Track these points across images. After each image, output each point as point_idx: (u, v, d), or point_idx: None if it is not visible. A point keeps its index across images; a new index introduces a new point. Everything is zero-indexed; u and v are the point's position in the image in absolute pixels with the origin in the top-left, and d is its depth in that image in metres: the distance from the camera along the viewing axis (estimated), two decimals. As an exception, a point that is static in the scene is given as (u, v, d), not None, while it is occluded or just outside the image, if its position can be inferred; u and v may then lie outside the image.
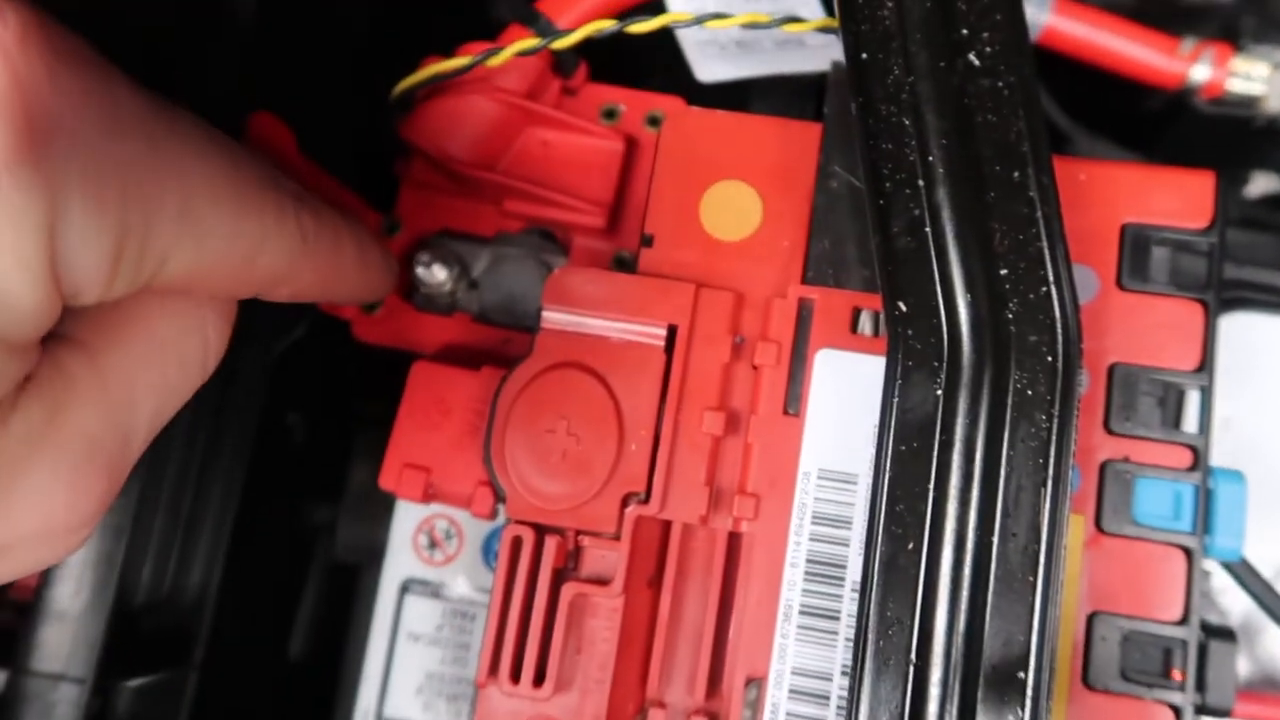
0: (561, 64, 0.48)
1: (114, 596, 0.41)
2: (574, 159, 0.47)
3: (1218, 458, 0.41)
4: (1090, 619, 0.38)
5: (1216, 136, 0.52)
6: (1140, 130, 0.54)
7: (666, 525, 0.40)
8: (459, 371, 0.43)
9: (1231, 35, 0.52)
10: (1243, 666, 0.42)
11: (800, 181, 0.42)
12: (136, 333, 0.31)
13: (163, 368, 0.31)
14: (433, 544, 0.49)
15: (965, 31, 0.38)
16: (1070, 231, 0.38)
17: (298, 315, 0.51)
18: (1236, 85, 0.51)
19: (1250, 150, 0.53)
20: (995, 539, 0.34)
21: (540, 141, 0.47)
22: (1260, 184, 0.55)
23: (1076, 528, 0.38)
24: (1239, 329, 0.44)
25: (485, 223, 0.48)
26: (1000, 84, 0.37)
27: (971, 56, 0.38)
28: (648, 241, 0.42)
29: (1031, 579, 0.34)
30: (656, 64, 0.50)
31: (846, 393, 0.39)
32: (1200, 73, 0.51)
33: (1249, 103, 0.51)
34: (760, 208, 0.42)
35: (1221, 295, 0.43)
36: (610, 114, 0.48)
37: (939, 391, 0.35)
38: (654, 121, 0.47)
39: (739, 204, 0.42)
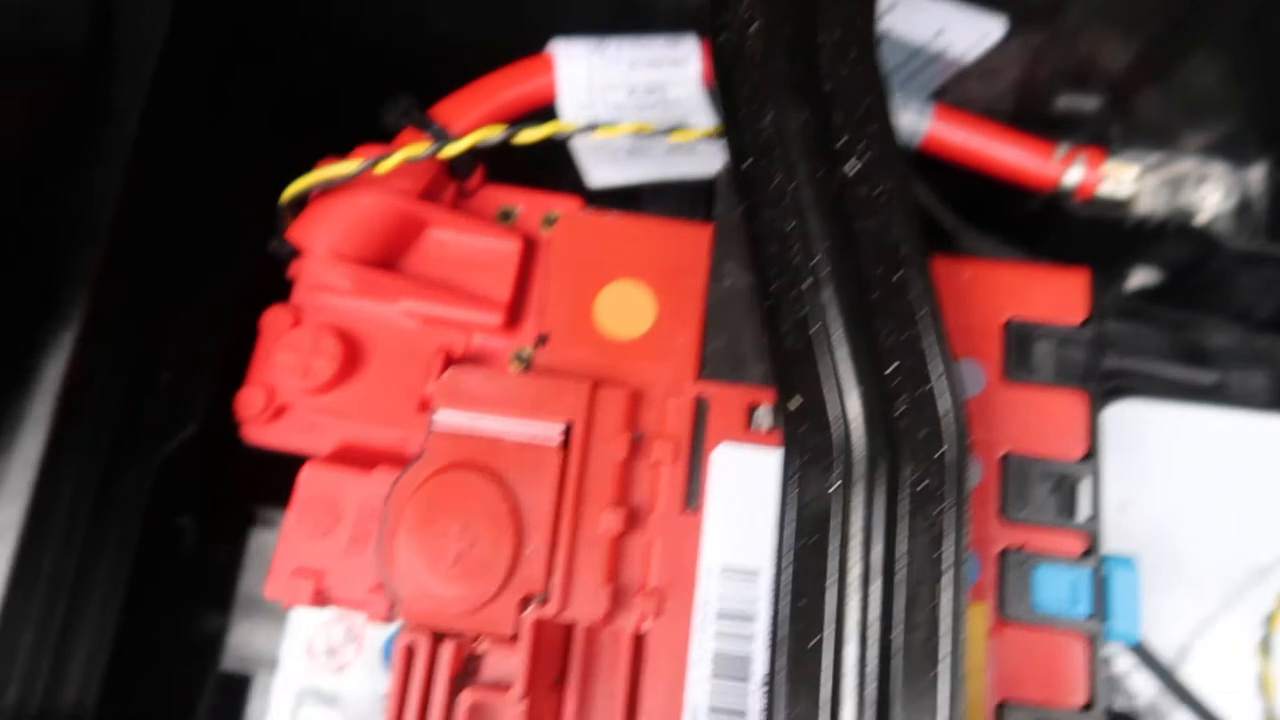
0: (457, 167, 0.48)
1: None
2: (471, 259, 0.47)
3: (1118, 540, 0.42)
4: (999, 709, 0.38)
5: (1094, 235, 0.55)
6: (1024, 229, 0.56)
7: (569, 626, 0.39)
8: (350, 474, 0.42)
9: (1103, 140, 0.55)
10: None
11: (693, 280, 0.43)
12: None
13: None
14: (330, 650, 0.47)
15: (841, 142, 0.39)
16: (956, 327, 0.40)
17: (187, 415, 0.49)
18: (1107, 188, 0.53)
19: (1127, 247, 0.55)
20: (900, 631, 0.35)
21: (437, 242, 0.47)
22: (1140, 277, 0.57)
23: (979, 617, 0.38)
24: (1130, 416, 0.46)
25: (382, 323, 0.47)
26: (876, 191, 0.39)
27: (847, 167, 0.39)
28: (543, 340, 0.42)
29: (934, 673, 0.34)
30: (558, 162, 0.50)
31: (746, 487, 0.39)
32: (1074, 176, 0.53)
33: (1119, 204, 0.54)
34: (654, 306, 0.43)
35: (1110, 384, 0.45)
36: (507, 215, 0.48)
37: (835, 486, 0.36)
38: (551, 221, 0.47)
39: (633, 303, 0.43)
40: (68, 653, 0.44)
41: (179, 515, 0.51)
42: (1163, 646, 0.41)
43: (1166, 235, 0.53)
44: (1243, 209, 0.55)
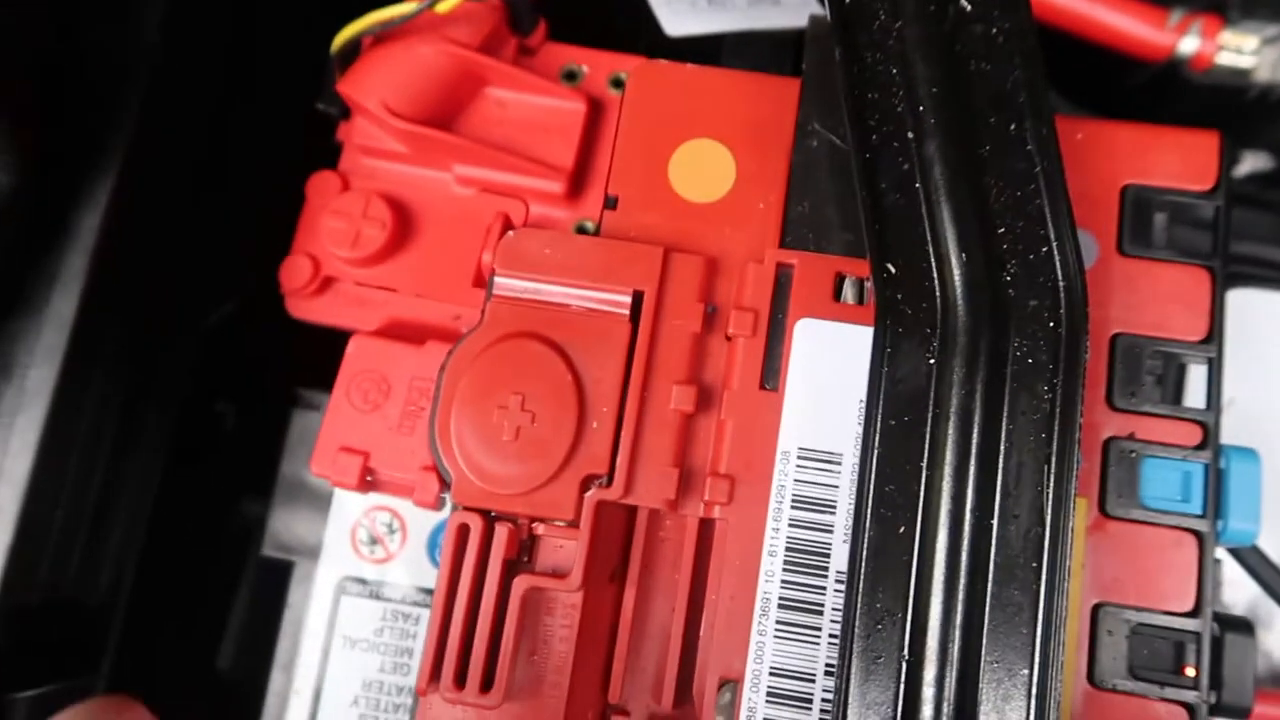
0: (519, 20, 0.44)
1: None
2: (532, 121, 0.43)
3: (1224, 438, 0.38)
4: (1095, 611, 0.34)
5: (1205, 111, 0.50)
6: (1127, 105, 0.51)
7: (631, 512, 0.36)
8: (401, 346, 0.39)
9: (1220, 7, 0.50)
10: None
11: (777, 140, 0.39)
12: None
13: None
14: (373, 540, 0.45)
15: (957, -27, 0.35)
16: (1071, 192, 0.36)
17: (228, 289, 0.46)
18: (1225, 58, 0.49)
19: (1242, 125, 0.50)
20: (995, 522, 0.31)
21: (496, 102, 0.44)
22: (1249, 163, 0.53)
23: (1080, 511, 0.35)
24: (1237, 305, 0.41)
25: (435, 190, 0.44)
26: (994, 30, 0.35)
27: (963, 1, 0.35)
28: (612, 204, 0.39)
29: (1035, 565, 0.31)
30: (621, 24, 0.46)
31: (829, 365, 0.36)
32: (1189, 44, 0.49)
33: (1238, 75, 0.49)
34: (734, 167, 0.39)
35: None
36: (572, 75, 0.45)
37: (932, 361, 0.32)
38: (619, 84, 0.44)
39: (711, 163, 0.39)
40: (102, 533, 0.42)
41: (219, 398, 0.49)
42: (1268, 550, 0.37)
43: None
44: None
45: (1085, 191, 0.37)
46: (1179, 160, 0.38)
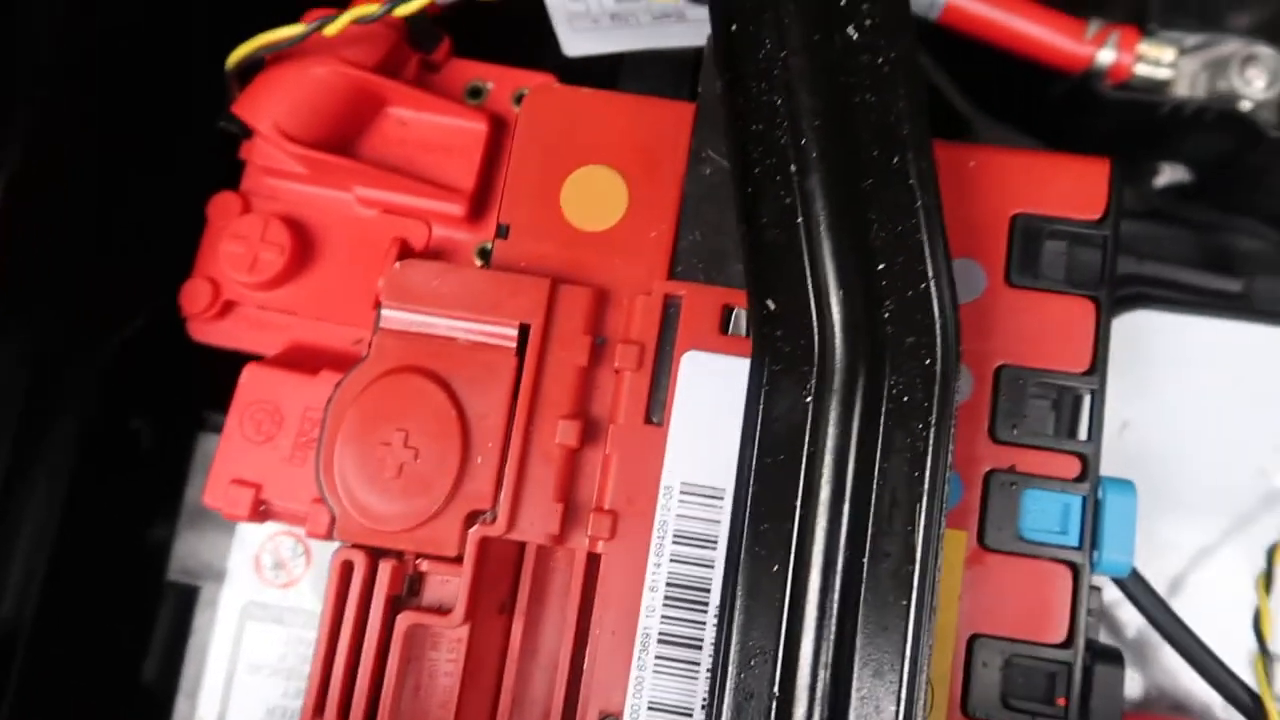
0: (420, 37, 0.44)
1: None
2: (434, 141, 0.43)
3: (1115, 464, 0.38)
4: (971, 642, 0.35)
5: (1124, 123, 0.50)
6: (1045, 117, 0.51)
7: (519, 547, 0.36)
8: (294, 376, 0.39)
9: (1138, 19, 0.50)
10: (1138, 685, 0.39)
11: (670, 167, 0.39)
12: None
13: None
14: (277, 564, 0.45)
15: (844, 1, 0.34)
16: (957, 222, 0.36)
17: (137, 303, 0.46)
18: (1143, 69, 0.48)
19: (1158, 137, 0.50)
20: (866, 559, 0.31)
21: (397, 121, 0.43)
22: (1168, 174, 0.52)
23: (957, 544, 0.35)
24: (1140, 327, 0.42)
25: (337, 211, 0.44)
26: (880, 60, 0.34)
27: (850, 29, 0.34)
28: (503, 233, 0.39)
29: (905, 603, 0.31)
30: (526, 40, 0.46)
31: (716, 399, 0.36)
32: (1106, 56, 0.48)
33: (1156, 88, 0.49)
34: (626, 195, 0.39)
35: (1120, 292, 0.41)
36: (476, 92, 0.44)
37: (809, 399, 0.32)
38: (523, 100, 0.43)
39: (603, 191, 0.39)
40: (3, 555, 0.41)
41: (132, 416, 0.48)
42: (1155, 576, 0.38)
43: (1203, 124, 0.48)
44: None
45: (976, 220, 0.37)
46: (1069, 189, 0.38)
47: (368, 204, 0.43)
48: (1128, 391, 0.40)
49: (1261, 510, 0.39)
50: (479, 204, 0.42)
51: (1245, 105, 0.47)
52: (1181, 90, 0.49)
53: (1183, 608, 0.37)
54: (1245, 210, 0.49)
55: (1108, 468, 0.36)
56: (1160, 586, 0.38)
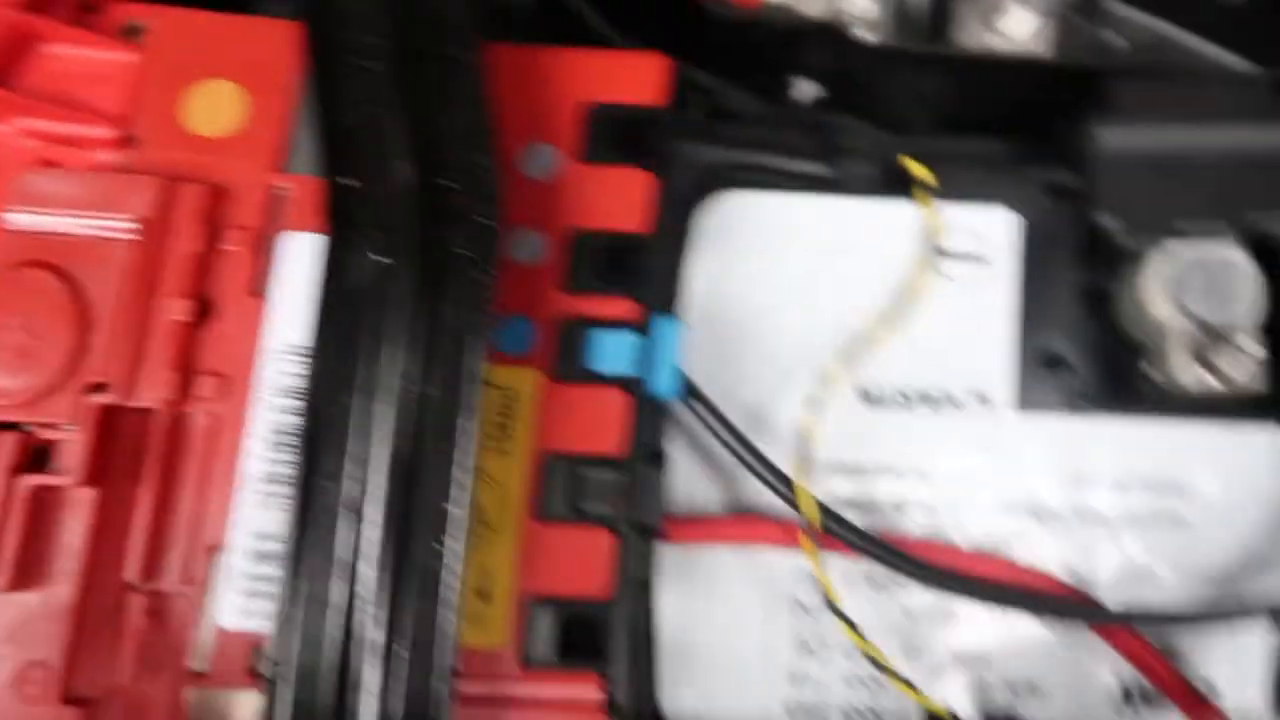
0: (75, -22, 0.47)
1: None
2: (88, 74, 0.47)
3: (714, 327, 0.44)
4: (545, 458, 0.40)
5: (750, 42, 0.55)
6: (681, 36, 0.56)
7: (139, 413, 0.40)
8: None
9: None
10: (722, 495, 0.45)
11: (286, 78, 0.43)
12: None
13: None
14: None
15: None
16: (530, 112, 0.41)
17: None
18: (769, -9, 0.54)
19: (784, 55, 0.56)
20: (434, 390, 0.36)
21: (51, 57, 0.47)
22: (801, 89, 0.58)
23: (530, 380, 0.40)
24: (730, 205, 0.47)
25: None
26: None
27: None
28: (132, 143, 0.43)
29: (465, 421, 0.36)
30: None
31: (314, 273, 0.40)
32: (732, -18, 0.53)
33: (782, 9, 0.54)
34: (246, 104, 0.43)
35: (716, 178, 0.46)
36: (134, 31, 0.48)
37: (374, 258, 0.37)
38: (175, 36, 0.47)
39: (224, 102, 0.43)
40: None
41: None
42: (738, 416, 0.43)
43: (818, 42, 0.54)
44: (899, 9, 0.55)
45: (547, 109, 0.43)
46: (632, 81, 0.43)
47: (27, 135, 0.46)
48: (717, 263, 0.45)
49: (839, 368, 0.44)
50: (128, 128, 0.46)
51: (852, 25, 0.53)
52: (810, 8, 0.54)
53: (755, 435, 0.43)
54: (866, 118, 0.55)
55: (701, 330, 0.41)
56: (741, 420, 0.43)
